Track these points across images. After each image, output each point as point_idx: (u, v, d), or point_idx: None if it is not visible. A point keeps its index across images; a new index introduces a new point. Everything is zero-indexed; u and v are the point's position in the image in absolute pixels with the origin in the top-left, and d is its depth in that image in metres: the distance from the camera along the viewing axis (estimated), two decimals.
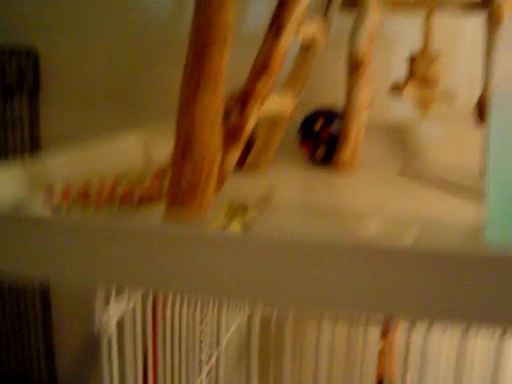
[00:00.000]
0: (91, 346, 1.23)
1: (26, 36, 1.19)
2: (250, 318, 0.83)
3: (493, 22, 0.79)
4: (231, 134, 0.65)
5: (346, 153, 0.81)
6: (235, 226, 0.46)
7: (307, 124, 0.86)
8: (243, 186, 0.71)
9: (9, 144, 1.19)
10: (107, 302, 0.52)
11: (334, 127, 0.84)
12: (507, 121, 0.47)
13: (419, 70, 0.83)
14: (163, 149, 0.72)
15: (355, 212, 0.60)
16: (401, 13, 0.85)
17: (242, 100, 0.63)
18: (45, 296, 1.25)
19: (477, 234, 0.51)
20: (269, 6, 0.62)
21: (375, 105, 0.84)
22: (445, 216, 0.58)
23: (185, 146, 0.44)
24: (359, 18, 0.79)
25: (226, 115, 0.71)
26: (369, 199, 0.68)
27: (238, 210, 0.48)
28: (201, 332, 0.78)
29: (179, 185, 0.45)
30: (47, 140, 1.21)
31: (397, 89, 0.81)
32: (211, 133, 0.45)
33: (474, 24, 0.83)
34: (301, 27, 0.64)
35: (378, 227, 0.46)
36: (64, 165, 0.57)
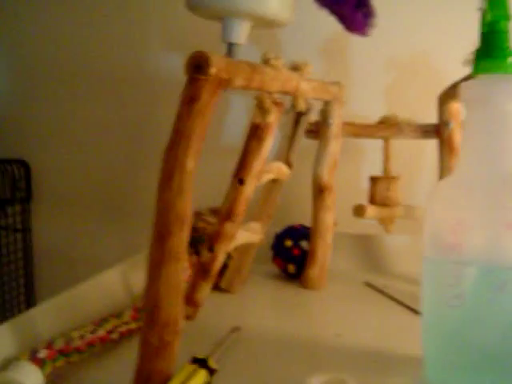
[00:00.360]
0: None
1: (18, 148, 1.26)
2: None
3: (445, 148, 0.86)
4: (203, 270, 0.71)
5: (315, 271, 0.87)
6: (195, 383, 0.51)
7: (279, 241, 0.92)
8: (216, 310, 0.77)
9: (2, 250, 1.25)
10: None
11: (304, 244, 0.90)
12: (437, 276, 0.53)
13: (380, 191, 0.90)
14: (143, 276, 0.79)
15: (314, 346, 0.65)
16: (362, 137, 0.92)
17: (211, 241, 0.70)
18: None
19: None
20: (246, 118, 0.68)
21: (345, 218, 0.90)
22: (400, 341, 0.64)
23: (151, 314, 0.50)
24: (322, 148, 0.86)
25: (198, 252, 0.78)
26: (339, 323, 0.74)
27: (198, 365, 0.54)
28: None
29: (148, 344, 0.51)
30: (39, 246, 1.27)
31: (360, 211, 0.87)
32: (175, 301, 0.51)
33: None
34: (262, 174, 0.71)
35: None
36: (50, 318, 0.63)
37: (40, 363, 0.53)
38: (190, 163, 0.48)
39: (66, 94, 1.23)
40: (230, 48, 0.59)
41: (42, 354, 0.53)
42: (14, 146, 1.27)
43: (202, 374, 0.53)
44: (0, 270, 1.24)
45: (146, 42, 1.17)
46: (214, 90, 0.50)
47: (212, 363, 0.55)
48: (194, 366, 0.53)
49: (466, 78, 0.70)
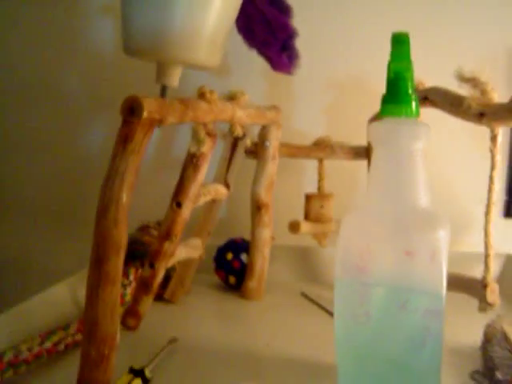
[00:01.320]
0: None
1: None
2: None
3: None
4: (143, 286, 0.77)
5: (253, 283, 0.93)
6: None
7: (220, 254, 0.99)
8: (158, 320, 0.83)
9: None
10: None
11: (243, 257, 0.96)
12: (347, 295, 0.60)
13: (314, 208, 0.97)
14: None
15: (248, 357, 0.72)
16: (298, 158, 0.98)
17: (151, 259, 0.76)
18: None
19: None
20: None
21: (284, 232, 0.97)
22: (326, 350, 0.70)
23: (90, 331, 0.56)
24: (259, 168, 0.93)
25: (139, 268, 0.83)
26: (272, 333, 0.80)
27: (134, 374, 0.60)
28: None
29: (88, 357, 0.57)
30: None
31: (295, 227, 0.94)
32: (111, 320, 0.56)
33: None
34: (198, 197, 0.77)
35: None
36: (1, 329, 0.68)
37: None
38: (125, 197, 0.54)
39: (24, 108, 1.27)
40: (163, 89, 0.65)
41: None
42: None
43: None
44: None
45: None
46: (146, 131, 0.55)
47: (147, 373, 0.61)
48: (130, 376, 0.59)
49: (375, 118, 0.77)
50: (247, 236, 0.98)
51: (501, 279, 0.96)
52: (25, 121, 1.25)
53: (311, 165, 1.02)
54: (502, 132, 0.72)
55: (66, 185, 1.25)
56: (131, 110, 0.55)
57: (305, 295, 0.95)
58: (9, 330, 0.69)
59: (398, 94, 0.58)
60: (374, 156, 0.59)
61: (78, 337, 0.72)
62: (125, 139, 0.54)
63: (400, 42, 0.58)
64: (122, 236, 0.55)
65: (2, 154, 1.29)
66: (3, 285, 1.28)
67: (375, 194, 0.59)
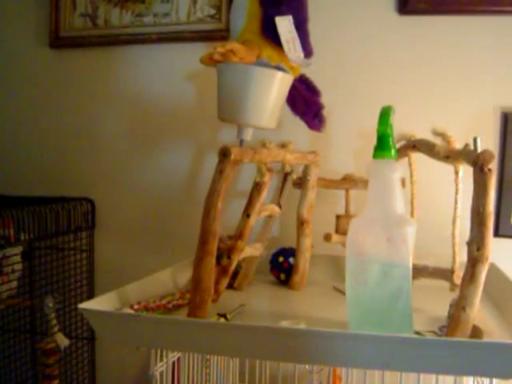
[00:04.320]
0: None
1: (84, 188, 1.71)
2: None
3: None
4: (222, 271, 1.14)
5: (297, 278, 1.29)
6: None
7: (274, 258, 1.35)
8: (231, 299, 1.20)
9: (76, 264, 1.68)
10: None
11: (291, 260, 1.33)
12: (353, 269, 0.96)
13: (342, 224, 1.33)
14: (186, 276, 1.23)
15: (291, 316, 1.08)
16: (330, 188, 1.36)
17: (229, 251, 1.14)
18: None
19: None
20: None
21: (320, 243, 1.33)
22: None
23: (196, 285, 0.94)
24: (303, 195, 1.29)
25: (220, 259, 1.21)
26: (308, 307, 1.15)
27: (220, 315, 0.98)
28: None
29: (194, 302, 0.95)
30: (99, 264, 1.70)
31: (328, 238, 1.30)
32: (209, 277, 0.94)
33: None
34: (261, 212, 1.15)
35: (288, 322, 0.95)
36: (134, 291, 1.07)
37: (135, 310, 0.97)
38: (220, 204, 0.93)
39: (122, 140, 1.67)
40: (241, 142, 1.05)
41: (136, 306, 0.98)
42: (82, 187, 1.70)
43: (223, 319, 0.97)
44: (70, 280, 1.67)
45: None
46: (232, 167, 0.94)
47: (228, 316, 0.99)
48: (218, 317, 0.97)
49: None
50: (293, 245, 1.34)
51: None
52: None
53: (340, 194, 1.38)
54: (462, 168, 1.07)
55: (159, 208, 1.65)
56: (224, 154, 0.93)
57: (335, 288, 1.30)
58: (138, 292, 1.07)
59: (383, 145, 0.93)
60: (370, 183, 0.95)
61: (180, 301, 1.09)
62: (220, 172, 0.93)
63: (384, 113, 0.94)
64: (217, 228, 0.93)
65: (107, 182, 1.69)
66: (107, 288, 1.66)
67: (370, 206, 0.94)
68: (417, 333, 0.93)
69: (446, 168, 1.09)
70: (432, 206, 1.36)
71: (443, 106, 1.42)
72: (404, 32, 1.44)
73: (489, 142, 1.39)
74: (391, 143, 0.92)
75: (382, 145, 0.93)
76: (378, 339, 0.78)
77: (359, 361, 0.82)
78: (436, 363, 0.79)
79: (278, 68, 1.01)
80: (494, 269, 1.18)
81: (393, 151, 0.92)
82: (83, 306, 0.88)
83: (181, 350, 1.05)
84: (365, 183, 1.30)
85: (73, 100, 1.70)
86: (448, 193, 1.19)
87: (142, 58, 1.63)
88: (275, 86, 1.03)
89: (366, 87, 1.47)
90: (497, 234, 1.42)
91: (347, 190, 1.34)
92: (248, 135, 1.06)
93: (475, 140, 0.91)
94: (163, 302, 1.05)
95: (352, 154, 1.48)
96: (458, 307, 0.85)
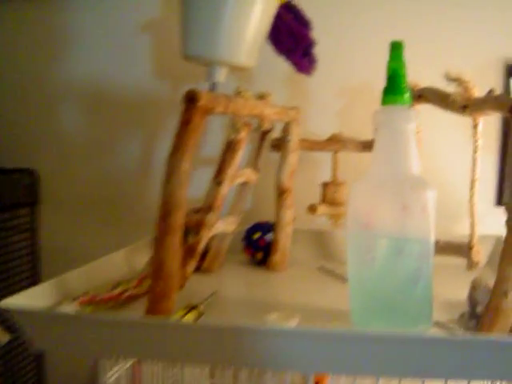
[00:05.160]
0: None
1: (27, 158, 1.48)
2: None
3: None
4: (189, 251, 0.93)
5: (277, 257, 1.10)
6: (188, 318, 0.74)
7: (248, 234, 1.15)
8: (200, 285, 0.99)
9: (14, 247, 1.45)
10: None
11: (268, 237, 1.13)
12: (357, 245, 0.76)
13: (329, 193, 1.13)
14: (144, 259, 1.02)
15: (275, 305, 0.88)
16: (314, 151, 1.15)
17: (196, 227, 0.93)
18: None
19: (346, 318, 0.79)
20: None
21: (302, 216, 1.13)
22: (341, 303, 0.85)
23: (158, 269, 0.73)
24: (282, 159, 1.09)
25: (186, 237, 1.00)
26: (294, 293, 0.96)
27: (190, 308, 0.77)
28: None
29: (155, 292, 0.73)
30: (44, 245, 1.48)
31: (312, 209, 1.11)
32: (174, 260, 0.73)
33: None
34: (235, 178, 0.94)
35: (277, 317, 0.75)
36: (81, 279, 0.85)
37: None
38: (186, 165, 0.71)
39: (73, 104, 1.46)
40: (213, 85, 0.83)
41: (81, 299, 0.76)
42: (23, 156, 1.48)
43: (194, 314, 0.75)
44: (7, 265, 1.44)
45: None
46: (202, 116, 0.72)
47: (201, 308, 0.77)
48: (188, 309, 0.76)
49: None
50: (271, 219, 1.14)
51: (490, 257, 1.10)
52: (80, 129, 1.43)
53: (326, 157, 1.19)
54: (481, 121, 0.89)
55: (109, 186, 1.43)
56: (190, 99, 0.72)
57: (323, 268, 1.11)
58: (83, 280, 0.85)
59: (394, 87, 0.74)
60: (377, 135, 0.76)
61: (136, 290, 0.88)
62: (186, 121, 0.71)
63: (396, 48, 0.75)
64: (183, 196, 0.72)
65: (51, 152, 1.47)
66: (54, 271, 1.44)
67: (378, 165, 0.75)
68: (437, 324, 0.75)
69: (451, 122, 1.02)
70: (435, 168, 1.21)
71: (444, 55, 1.27)
72: None
73: None
74: (404, 85, 0.73)
75: (393, 87, 0.75)
76: (406, 339, 0.58)
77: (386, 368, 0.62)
78: (471, 366, 0.62)
79: None
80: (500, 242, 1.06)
81: (406, 95, 0.74)
82: (5, 303, 0.66)
83: (140, 358, 0.83)
84: (355, 144, 1.12)
85: (13, 53, 1.47)
86: (454, 151, 1.17)
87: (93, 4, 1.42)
88: (257, 10, 0.80)
89: (354, 34, 1.30)
90: (500, 202, 1.29)
91: (335, 153, 1.14)
92: (221, 76, 0.84)
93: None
94: (115, 292, 0.84)
95: (335, 112, 1.32)
96: (497, 293, 0.68)
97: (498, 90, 1.24)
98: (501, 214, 1.25)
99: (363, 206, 0.75)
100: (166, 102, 1.37)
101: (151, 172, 1.40)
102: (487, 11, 1.27)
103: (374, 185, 0.75)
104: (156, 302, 0.73)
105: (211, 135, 1.28)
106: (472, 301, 0.81)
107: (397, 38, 0.77)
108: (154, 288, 0.73)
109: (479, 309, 0.76)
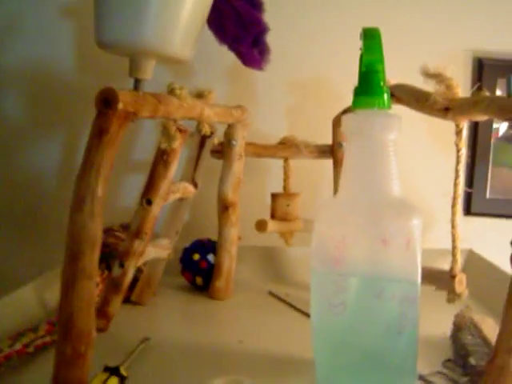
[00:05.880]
0: None
1: None
2: None
3: (339, 167, 0.94)
4: (113, 286, 0.76)
5: (221, 283, 0.93)
6: None
7: (187, 255, 0.98)
8: (127, 323, 0.81)
9: None
10: None
11: (210, 258, 0.96)
12: (323, 286, 0.60)
13: (280, 206, 0.97)
14: (57, 294, 0.83)
15: (220, 354, 0.71)
16: (264, 157, 0.99)
17: (121, 258, 0.75)
18: None
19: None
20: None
21: (250, 232, 0.96)
22: (298, 346, 0.70)
23: (66, 327, 0.55)
24: (226, 167, 0.92)
25: (108, 266, 0.82)
26: (242, 331, 0.80)
27: (110, 373, 0.59)
28: None
29: (64, 354, 0.56)
30: None
31: (262, 226, 0.94)
32: (87, 315, 0.55)
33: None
34: (169, 195, 0.76)
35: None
36: None
37: None
38: (101, 190, 0.53)
39: None
40: (137, 83, 0.64)
41: None
42: None
43: (114, 381, 0.58)
44: None
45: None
46: (121, 123, 0.55)
47: (123, 371, 0.60)
48: (106, 374, 0.58)
49: (346, 110, 0.78)
50: (213, 236, 0.97)
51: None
52: None
53: (276, 164, 1.02)
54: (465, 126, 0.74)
55: (25, 190, 1.23)
56: (106, 101, 0.54)
57: (272, 294, 0.95)
58: None
59: (370, 86, 0.58)
60: (348, 147, 0.60)
61: (47, 339, 0.71)
62: (100, 132, 0.54)
63: (371, 37, 0.59)
64: (97, 230, 0.54)
65: None
66: None
67: (349, 184, 0.60)
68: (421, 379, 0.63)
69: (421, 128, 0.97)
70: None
71: (410, 49, 1.13)
72: None
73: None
74: (382, 84, 0.56)
75: (368, 86, 0.60)
76: None
77: None
78: None
79: None
80: (473, 256, 1.04)
81: (385, 97, 0.58)
82: None
83: None
84: (311, 150, 0.96)
85: None
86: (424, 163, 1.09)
87: None
88: None
89: (304, 23, 1.14)
90: (469, 212, 1.18)
91: (286, 160, 0.98)
92: (148, 71, 0.65)
93: (509, 80, 0.57)
94: (18, 345, 0.65)
95: (284, 111, 1.15)
96: (502, 349, 0.53)
97: (468, 84, 1.13)
98: (470, 224, 1.13)
99: (331, 236, 0.59)
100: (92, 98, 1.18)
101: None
102: (456, 3, 1.15)
103: (345, 210, 0.59)
104: (64, 368, 0.55)
105: (141, 135, 1.11)
106: (459, 345, 0.68)
107: (357, 26, 0.61)
108: (60, 351, 0.55)
109: (473, 361, 0.62)
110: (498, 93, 1.10)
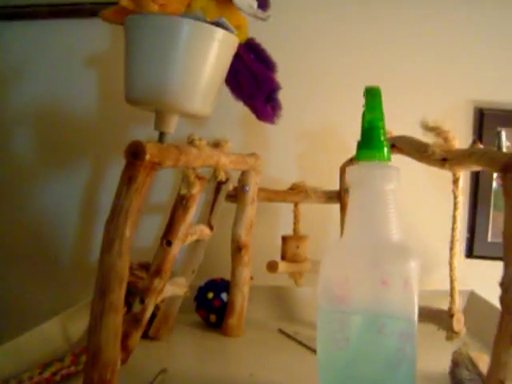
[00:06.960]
0: None
1: None
2: None
3: (344, 211, 1.00)
4: (133, 322, 0.81)
5: (233, 321, 0.98)
6: None
7: (201, 293, 1.03)
8: (146, 356, 0.87)
9: None
10: None
11: (224, 296, 1.01)
12: (328, 323, 0.65)
13: (290, 248, 1.03)
14: (82, 327, 0.89)
15: None
16: (275, 202, 1.05)
17: (142, 294, 0.81)
18: None
19: None
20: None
21: (261, 272, 1.02)
22: (305, 380, 0.74)
23: (94, 356, 0.61)
24: (239, 211, 0.98)
25: (128, 304, 0.88)
26: (253, 366, 0.84)
27: None
28: None
29: (91, 382, 0.61)
30: None
31: (273, 267, 1.00)
32: (114, 345, 0.61)
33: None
34: (187, 237, 0.82)
35: None
36: (3, 360, 0.72)
37: None
38: (129, 231, 0.60)
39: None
40: (161, 136, 0.71)
41: None
42: None
43: None
44: None
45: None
46: (148, 172, 0.61)
47: None
48: None
49: (351, 160, 0.84)
50: (226, 276, 1.03)
51: (464, 314, 1.02)
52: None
53: (287, 208, 1.08)
54: (463, 175, 0.80)
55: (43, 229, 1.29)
56: (134, 154, 0.60)
57: (282, 331, 1.00)
58: (7, 362, 0.72)
59: (371, 140, 0.64)
60: (352, 196, 0.65)
61: (72, 368, 0.76)
62: (129, 180, 0.60)
63: (373, 95, 0.65)
64: (124, 268, 0.60)
65: None
66: None
67: (353, 230, 0.65)
68: None
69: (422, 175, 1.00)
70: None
71: (411, 100, 1.20)
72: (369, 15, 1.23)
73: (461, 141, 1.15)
74: (383, 138, 0.63)
75: (369, 141, 0.65)
76: None
77: None
78: None
79: (218, 24, 0.68)
80: (474, 297, 1.08)
81: (385, 150, 0.64)
82: None
83: None
84: (319, 195, 1.02)
85: None
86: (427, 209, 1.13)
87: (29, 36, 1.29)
88: (214, 50, 0.69)
89: (315, 77, 1.22)
90: (471, 254, 1.22)
91: (296, 204, 1.04)
92: (171, 125, 0.72)
93: (499, 134, 0.63)
94: (47, 373, 0.71)
95: (295, 158, 1.22)
96: (493, 382, 0.57)
97: (469, 134, 1.18)
98: (471, 266, 1.18)
99: (336, 277, 0.64)
100: (111, 144, 1.25)
101: (97, 219, 1.27)
102: (457, 54, 1.21)
103: (349, 253, 0.65)
104: None
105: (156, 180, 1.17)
106: (456, 382, 0.72)
107: (362, 80, 0.68)
108: (89, 377, 0.61)
109: None
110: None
